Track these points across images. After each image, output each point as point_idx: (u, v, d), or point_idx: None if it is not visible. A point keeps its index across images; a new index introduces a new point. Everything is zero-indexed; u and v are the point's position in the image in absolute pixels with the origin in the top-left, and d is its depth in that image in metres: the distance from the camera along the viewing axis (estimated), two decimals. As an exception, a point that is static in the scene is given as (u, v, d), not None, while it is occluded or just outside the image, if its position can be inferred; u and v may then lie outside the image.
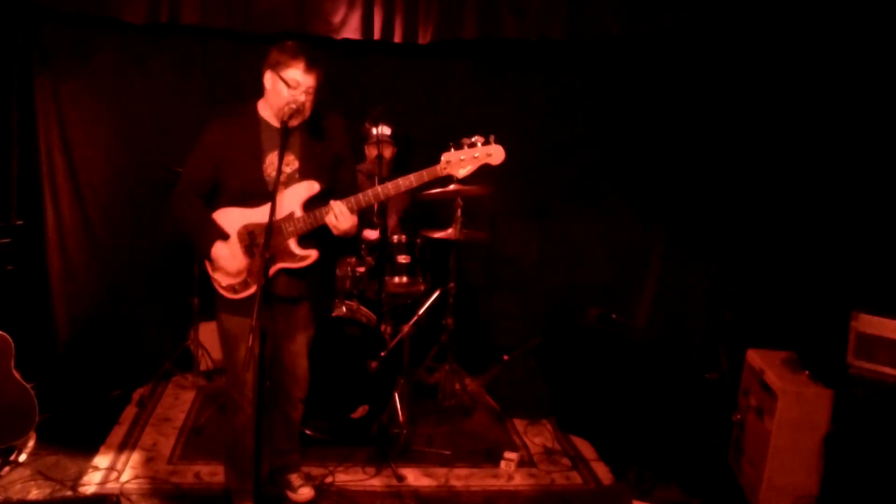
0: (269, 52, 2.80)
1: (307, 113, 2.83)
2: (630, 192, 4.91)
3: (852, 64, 3.93)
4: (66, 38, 4.34)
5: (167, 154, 4.24)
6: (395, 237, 4.17)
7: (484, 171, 4.31)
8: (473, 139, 2.76)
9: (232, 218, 2.88)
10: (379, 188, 2.79)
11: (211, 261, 2.90)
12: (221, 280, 2.92)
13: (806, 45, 4.11)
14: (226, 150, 2.84)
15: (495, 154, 2.76)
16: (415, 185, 2.76)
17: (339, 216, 2.78)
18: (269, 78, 2.80)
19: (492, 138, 2.77)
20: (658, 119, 4.79)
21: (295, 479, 3.36)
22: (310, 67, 2.75)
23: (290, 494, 3.34)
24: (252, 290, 2.86)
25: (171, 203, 2.94)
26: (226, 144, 2.84)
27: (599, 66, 4.81)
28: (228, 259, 2.85)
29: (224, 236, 2.87)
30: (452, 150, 2.75)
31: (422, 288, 4.25)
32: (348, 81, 4.72)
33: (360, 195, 2.80)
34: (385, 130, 4.22)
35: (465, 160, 2.74)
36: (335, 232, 2.83)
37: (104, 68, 4.48)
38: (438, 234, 4.17)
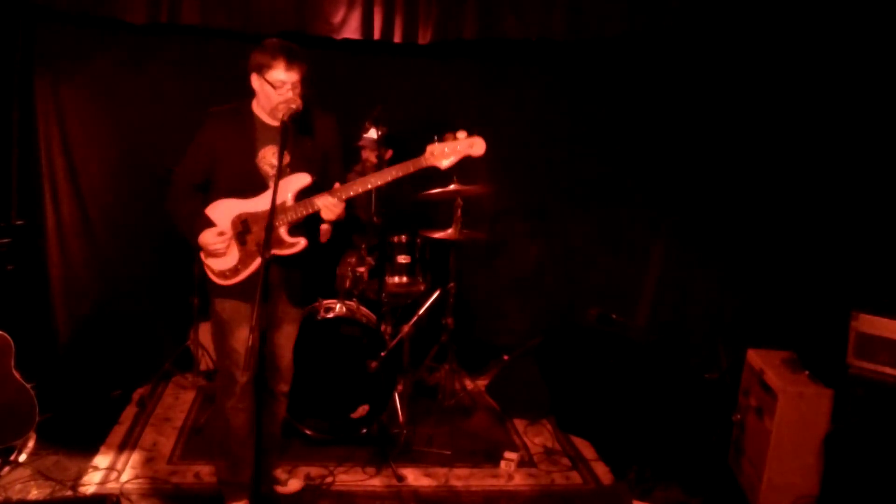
0: (251, 55, 2.86)
1: (300, 104, 2.85)
2: (630, 191, 4.91)
3: (852, 64, 3.93)
4: (66, 38, 4.34)
5: (167, 154, 4.22)
6: (396, 237, 4.18)
7: (484, 171, 4.34)
8: (457, 133, 2.83)
9: (225, 208, 2.94)
10: (364, 178, 2.86)
11: (200, 247, 2.96)
12: (214, 266, 2.97)
13: (807, 45, 4.11)
14: (220, 146, 2.92)
15: (477, 146, 2.83)
16: (400, 175, 2.83)
17: (324, 207, 2.84)
18: (255, 80, 2.89)
19: (475, 131, 2.85)
20: (659, 119, 4.79)
21: (279, 473, 3.39)
22: (290, 64, 2.81)
23: (279, 489, 3.36)
24: (241, 276, 2.93)
25: (166, 198, 3.02)
26: (220, 140, 2.93)
27: (599, 65, 4.81)
28: (216, 242, 2.90)
29: (212, 226, 2.93)
30: (437, 142, 2.83)
31: (422, 288, 4.26)
32: (348, 81, 4.72)
33: (348, 184, 2.86)
34: (372, 134, 4.19)
35: (448, 152, 2.82)
36: (325, 218, 2.88)
37: (104, 68, 4.48)
38: (438, 234, 4.17)
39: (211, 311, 3.07)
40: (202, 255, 3.00)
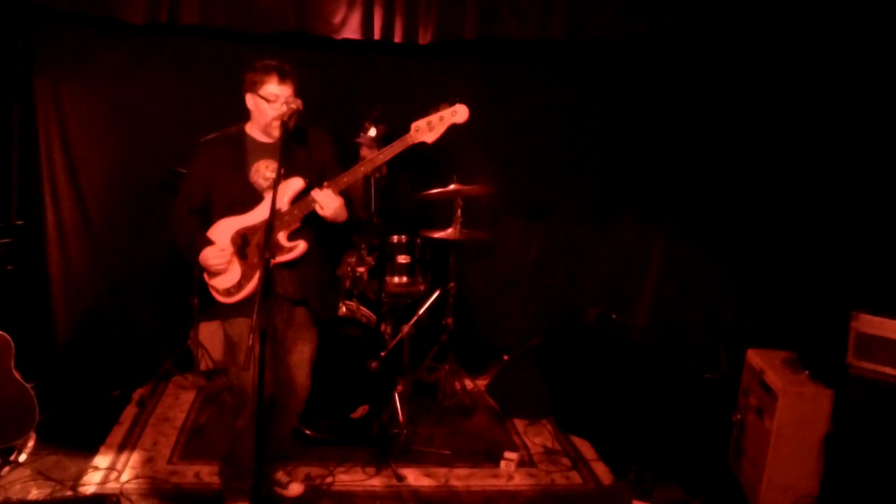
0: (244, 77, 2.92)
1: (300, 102, 2.89)
2: (630, 191, 4.91)
3: (852, 64, 3.92)
4: (66, 38, 4.34)
5: (166, 154, 4.25)
6: (396, 237, 4.18)
7: (484, 171, 4.34)
8: (439, 106, 2.85)
9: (223, 227, 2.97)
10: (354, 167, 2.87)
11: (201, 267, 2.99)
12: (218, 285, 2.99)
13: (807, 44, 4.11)
14: (213, 171, 2.97)
15: (460, 112, 2.84)
16: (388, 156, 2.85)
17: (319, 201, 2.84)
18: (250, 100, 2.93)
19: (455, 99, 2.86)
20: (658, 119, 4.79)
21: (282, 476, 3.39)
22: (283, 79, 2.87)
23: (281, 491, 3.36)
24: (246, 291, 2.94)
25: (168, 224, 3.06)
26: (212, 166, 2.98)
27: (599, 65, 4.81)
28: (216, 258, 2.92)
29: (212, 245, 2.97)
30: (420, 118, 2.84)
31: (422, 288, 4.26)
32: (348, 81, 4.72)
33: (340, 176, 2.86)
34: (370, 133, 4.19)
35: (433, 123, 2.83)
36: (323, 214, 2.87)
37: (104, 68, 4.48)
38: (438, 234, 4.17)
39: (223, 331, 3.09)
40: (206, 277, 3.02)
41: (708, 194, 4.65)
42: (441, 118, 2.82)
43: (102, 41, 4.40)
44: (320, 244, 3.04)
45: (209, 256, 2.93)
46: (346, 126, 4.17)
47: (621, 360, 4.13)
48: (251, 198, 2.94)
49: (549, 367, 4.33)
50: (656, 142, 4.82)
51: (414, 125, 2.84)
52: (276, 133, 2.87)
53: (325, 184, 2.85)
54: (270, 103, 2.87)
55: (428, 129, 2.82)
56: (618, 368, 4.11)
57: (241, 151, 2.97)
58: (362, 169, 2.87)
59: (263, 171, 2.95)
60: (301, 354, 3.13)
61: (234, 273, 2.96)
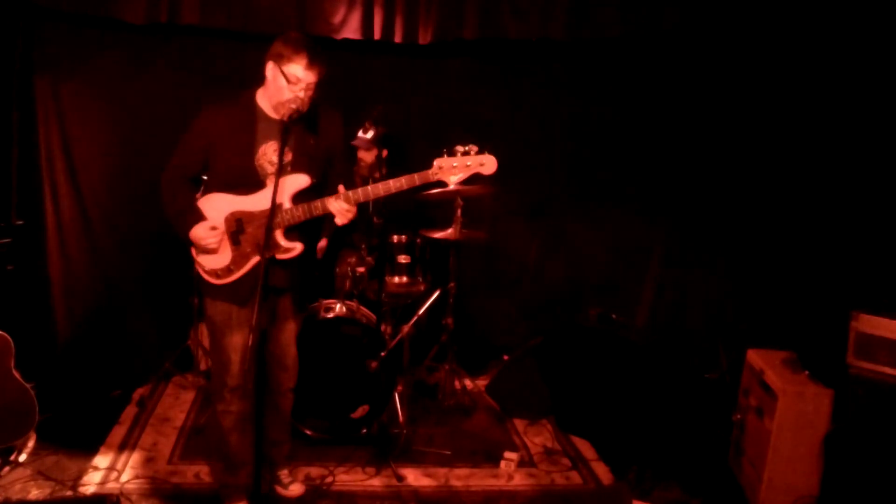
0: (274, 43, 2.78)
1: (306, 108, 2.81)
2: (630, 192, 4.91)
3: (852, 64, 3.93)
4: (66, 38, 4.33)
5: (167, 154, 4.21)
6: (396, 237, 4.18)
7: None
8: (467, 147, 2.75)
9: (218, 204, 2.88)
10: (371, 187, 2.79)
11: (190, 243, 2.91)
12: (205, 264, 2.92)
13: (807, 45, 4.11)
14: (218, 137, 2.83)
15: (487, 164, 2.75)
16: (405, 187, 2.77)
17: (338, 213, 2.79)
18: (270, 69, 2.78)
19: (486, 148, 2.77)
20: (659, 119, 4.79)
21: (284, 475, 3.37)
22: (312, 63, 2.73)
23: (280, 490, 3.35)
24: (233, 277, 2.88)
25: (160, 186, 2.95)
26: (218, 131, 2.84)
27: (600, 66, 4.81)
28: (207, 237, 2.84)
29: (204, 220, 2.87)
30: (445, 156, 2.75)
31: (422, 288, 4.26)
32: (348, 81, 4.72)
33: (353, 192, 2.79)
34: (367, 134, 4.17)
35: (458, 167, 2.74)
36: (339, 223, 2.83)
37: (104, 68, 4.47)
38: (438, 234, 4.17)
39: (203, 308, 3.05)
40: (193, 252, 2.94)
41: (708, 194, 4.65)
42: (467, 165, 2.73)
43: (102, 41, 4.39)
44: (311, 243, 3.01)
45: (200, 234, 2.83)
46: (345, 126, 4.16)
47: (621, 361, 4.13)
48: (252, 180, 2.83)
49: (549, 367, 4.34)
50: (656, 142, 4.82)
51: (437, 162, 2.74)
52: (286, 114, 2.74)
53: (340, 190, 2.78)
54: (290, 84, 2.72)
55: (451, 171, 2.73)
56: (618, 368, 4.11)
57: (251, 125, 2.83)
58: (376, 191, 2.77)
59: (270, 155, 2.82)
60: (290, 332, 3.13)
61: (223, 256, 2.88)
